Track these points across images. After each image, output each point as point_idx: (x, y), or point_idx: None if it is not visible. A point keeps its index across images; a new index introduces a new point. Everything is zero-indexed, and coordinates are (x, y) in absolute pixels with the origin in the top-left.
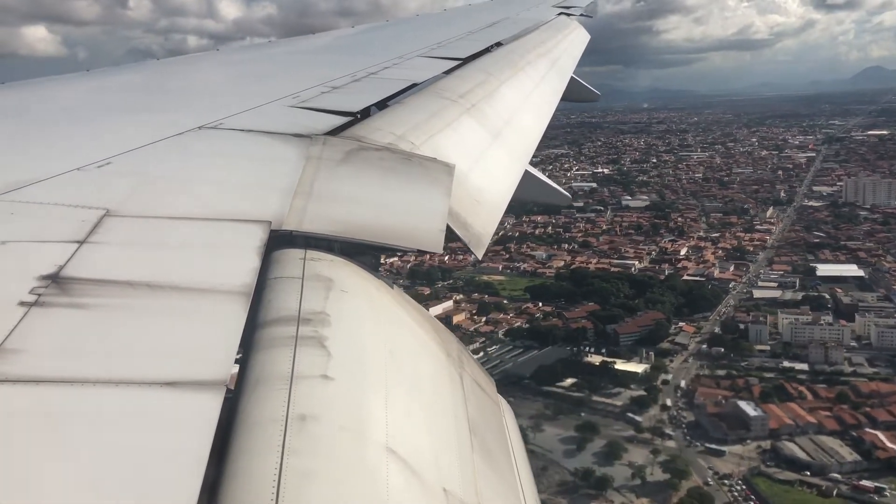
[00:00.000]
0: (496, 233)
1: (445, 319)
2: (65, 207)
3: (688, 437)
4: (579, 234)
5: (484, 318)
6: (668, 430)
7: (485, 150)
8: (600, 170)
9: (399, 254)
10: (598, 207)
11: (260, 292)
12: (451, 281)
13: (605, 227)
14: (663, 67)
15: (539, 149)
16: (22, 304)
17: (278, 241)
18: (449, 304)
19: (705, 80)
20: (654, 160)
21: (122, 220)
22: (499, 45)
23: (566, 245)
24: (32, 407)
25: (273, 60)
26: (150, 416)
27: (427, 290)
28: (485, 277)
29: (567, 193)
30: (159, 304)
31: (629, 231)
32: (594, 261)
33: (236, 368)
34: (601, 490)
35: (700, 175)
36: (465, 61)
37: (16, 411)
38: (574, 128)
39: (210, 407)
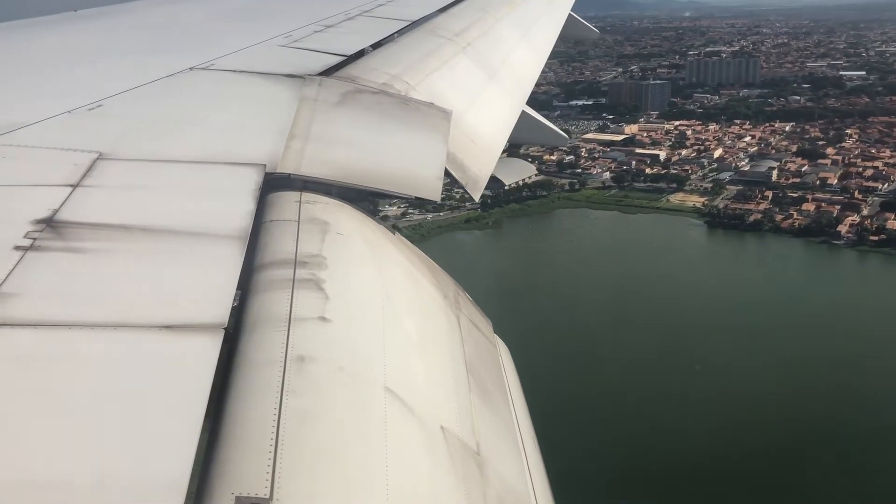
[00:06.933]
0: None
1: None
2: (57, 151)
3: None
4: None
5: None
6: None
7: (481, 90)
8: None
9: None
10: None
11: (256, 235)
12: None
13: None
14: None
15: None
16: (17, 248)
17: (273, 183)
18: None
19: None
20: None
21: (115, 163)
22: None
23: None
24: (30, 350)
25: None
26: (148, 359)
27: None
28: None
29: (564, 134)
30: (155, 248)
31: None
32: None
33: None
34: None
35: None
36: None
37: (13, 355)
38: (659, 34)
39: (208, 349)
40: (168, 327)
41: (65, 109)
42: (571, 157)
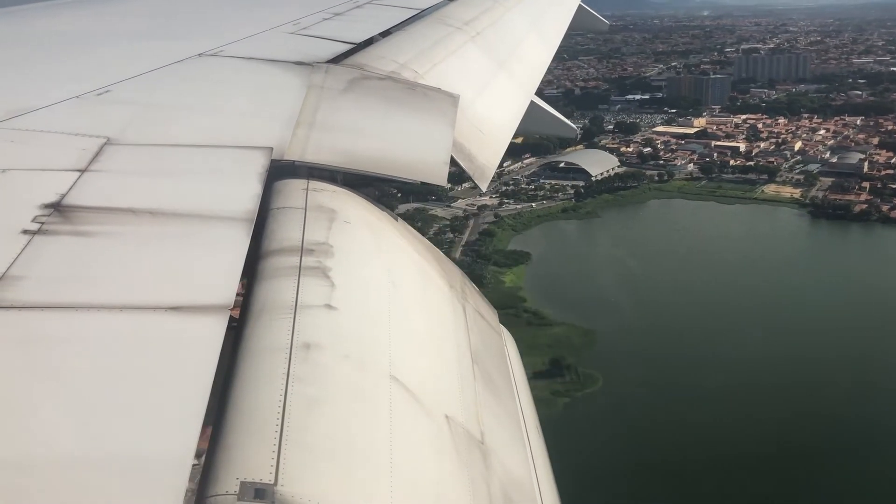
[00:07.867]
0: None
1: None
2: (65, 136)
3: None
4: None
5: None
6: None
7: (490, 79)
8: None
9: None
10: None
11: (263, 222)
12: None
13: None
14: None
15: None
16: (25, 232)
17: (280, 171)
18: None
19: None
20: None
21: (122, 148)
22: None
23: None
24: (38, 332)
25: None
26: (154, 340)
27: None
28: None
29: (573, 126)
30: (162, 231)
31: None
32: None
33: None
34: None
35: None
36: None
37: (22, 336)
38: (686, 32)
39: (214, 330)
40: (174, 308)
41: (73, 94)
42: (649, 149)
